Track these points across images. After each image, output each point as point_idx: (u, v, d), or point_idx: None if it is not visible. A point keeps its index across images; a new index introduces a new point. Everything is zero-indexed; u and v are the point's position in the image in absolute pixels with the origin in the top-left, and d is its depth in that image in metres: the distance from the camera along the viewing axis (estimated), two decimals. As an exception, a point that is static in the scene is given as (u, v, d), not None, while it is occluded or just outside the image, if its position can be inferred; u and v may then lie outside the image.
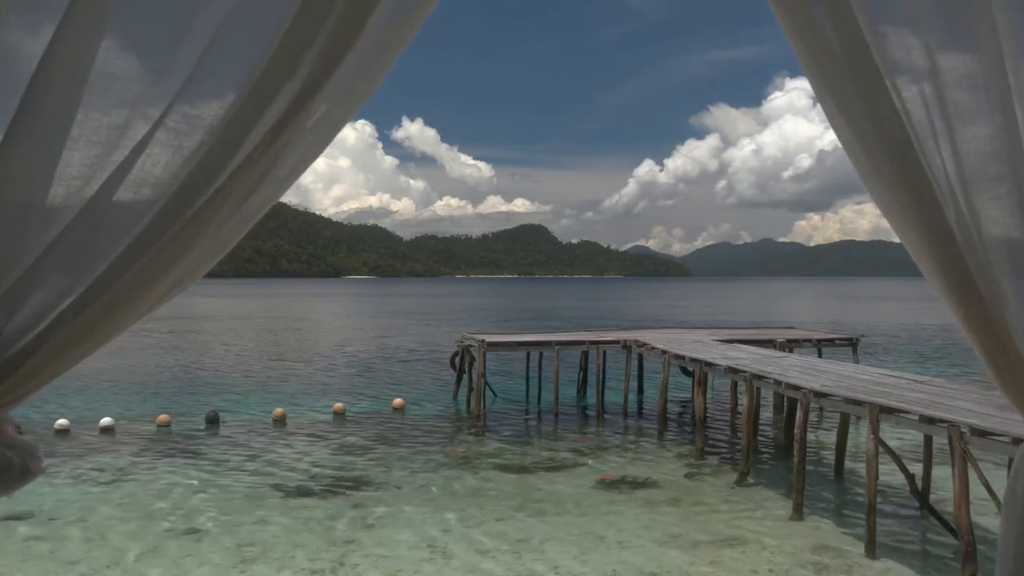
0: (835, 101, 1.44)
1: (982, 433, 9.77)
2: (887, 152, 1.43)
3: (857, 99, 1.41)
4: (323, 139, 1.49)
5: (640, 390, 24.33)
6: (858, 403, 12.06)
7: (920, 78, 1.39)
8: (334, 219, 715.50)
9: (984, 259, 1.45)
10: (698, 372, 18.06)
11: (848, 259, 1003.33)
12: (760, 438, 18.34)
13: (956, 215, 1.44)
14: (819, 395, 12.98)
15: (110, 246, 1.33)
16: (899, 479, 12.38)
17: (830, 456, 15.98)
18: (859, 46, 1.35)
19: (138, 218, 1.34)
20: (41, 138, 1.27)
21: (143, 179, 1.33)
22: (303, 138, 1.43)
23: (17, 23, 1.24)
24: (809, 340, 23.07)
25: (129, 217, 1.34)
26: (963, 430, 9.93)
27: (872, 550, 10.79)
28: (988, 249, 1.45)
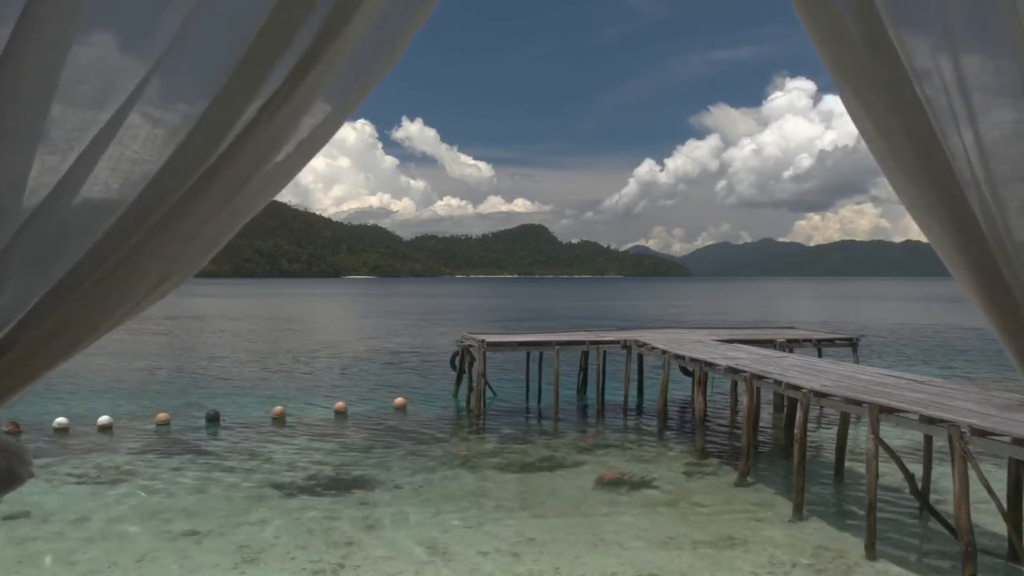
0: (853, 90, 1.41)
1: (982, 433, 9.75)
2: (907, 141, 1.40)
3: (876, 88, 1.38)
4: (320, 138, 1.45)
5: (640, 390, 24.31)
6: (858, 403, 12.05)
7: (941, 65, 1.35)
8: (334, 219, 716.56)
9: (1014, 253, 1.41)
10: (698, 372, 18.05)
11: (848, 259, 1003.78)
12: (760, 438, 18.33)
13: (982, 207, 1.40)
14: (819, 395, 12.96)
15: (82, 238, 1.28)
16: (899, 479, 12.37)
17: (830, 456, 15.96)
18: (878, 34, 1.32)
19: (112, 209, 1.29)
20: (11, 126, 1.22)
21: (117, 169, 1.28)
22: (297, 134, 1.39)
23: None
24: (809, 340, 23.05)
25: (103, 208, 1.28)
26: (963, 430, 9.91)
27: (872, 550, 10.77)
28: (1017, 242, 1.41)
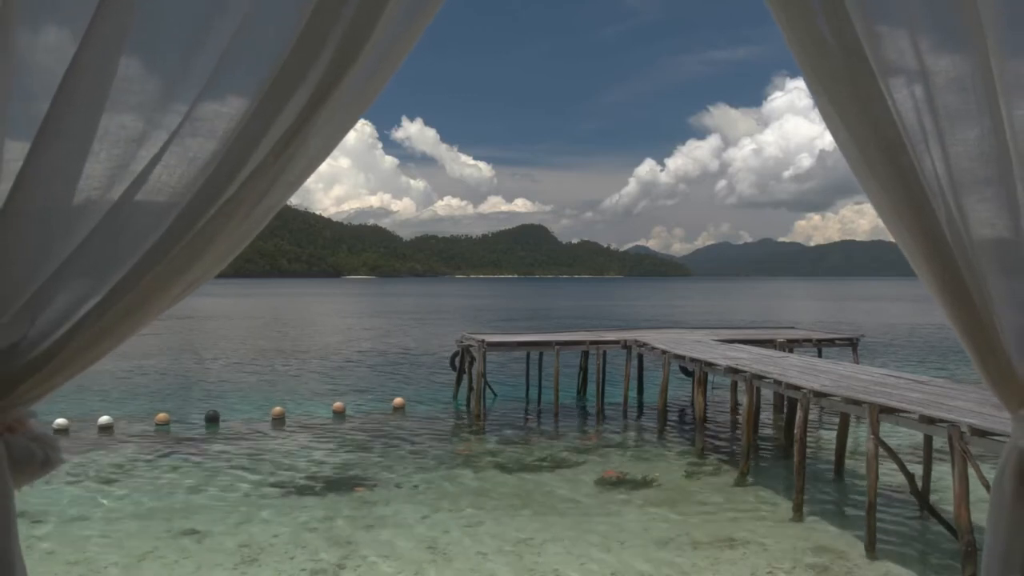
0: (831, 101, 1.46)
1: (982, 433, 9.77)
2: (881, 153, 1.45)
3: (852, 100, 1.43)
4: (331, 141, 1.52)
5: (640, 390, 24.32)
6: (858, 403, 12.06)
7: (911, 80, 1.40)
8: (334, 219, 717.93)
9: (974, 260, 1.48)
10: (698, 372, 18.06)
11: (848, 259, 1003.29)
12: (760, 438, 18.34)
13: (947, 216, 1.46)
14: (819, 395, 12.98)
15: (130, 252, 1.38)
16: (899, 479, 12.38)
17: (830, 456, 15.98)
18: (854, 46, 1.37)
19: (155, 225, 1.39)
20: (65, 147, 1.31)
21: (159, 188, 1.38)
22: (312, 142, 1.47)
23: (41, 34, 1.29)
24: (809, 340, 23.07)
25: (147, 224, 1.39)
26: (963, 430, 9.92)
27: (872, 550, 10.79)
28: (977, 250, 1.47)
